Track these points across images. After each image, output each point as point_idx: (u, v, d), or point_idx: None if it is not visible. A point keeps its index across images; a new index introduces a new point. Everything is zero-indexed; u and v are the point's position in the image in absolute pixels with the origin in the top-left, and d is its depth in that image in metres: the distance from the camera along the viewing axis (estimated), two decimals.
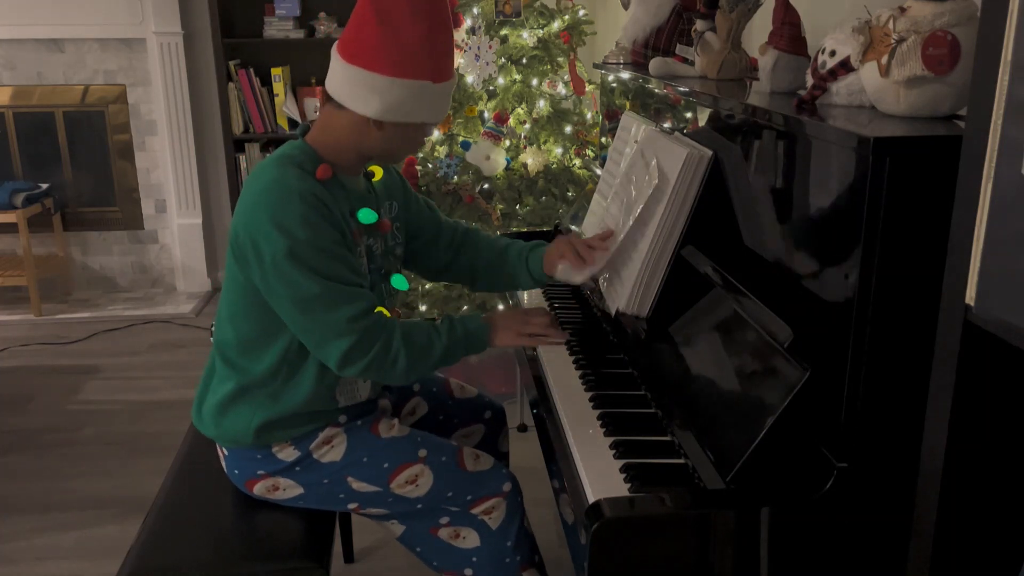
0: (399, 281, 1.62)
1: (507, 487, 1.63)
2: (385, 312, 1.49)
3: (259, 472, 1.57)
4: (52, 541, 2.38)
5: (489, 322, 1.57)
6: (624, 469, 1.26)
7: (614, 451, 1.31)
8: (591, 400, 1.49)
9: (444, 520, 1.62)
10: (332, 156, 1.49)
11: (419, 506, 1.60)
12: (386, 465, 1.57)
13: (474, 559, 1.62)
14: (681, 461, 1.28)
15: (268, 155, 1.51)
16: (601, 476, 1.25)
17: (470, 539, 1.62)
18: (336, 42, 1.47)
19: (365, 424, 1.61)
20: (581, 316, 1.88)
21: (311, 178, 1.44)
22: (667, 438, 1.35)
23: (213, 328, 1.63)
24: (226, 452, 1.61)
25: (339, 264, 1.42)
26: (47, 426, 3.06)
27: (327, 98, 1.48)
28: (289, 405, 1.53)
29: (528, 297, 2.01)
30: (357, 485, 1.57)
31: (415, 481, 1.57)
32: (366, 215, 1.54)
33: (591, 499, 1.18)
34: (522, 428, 2.92)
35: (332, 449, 1.57)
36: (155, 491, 1.72)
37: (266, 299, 1.45)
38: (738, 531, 1.12)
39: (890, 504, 1.09)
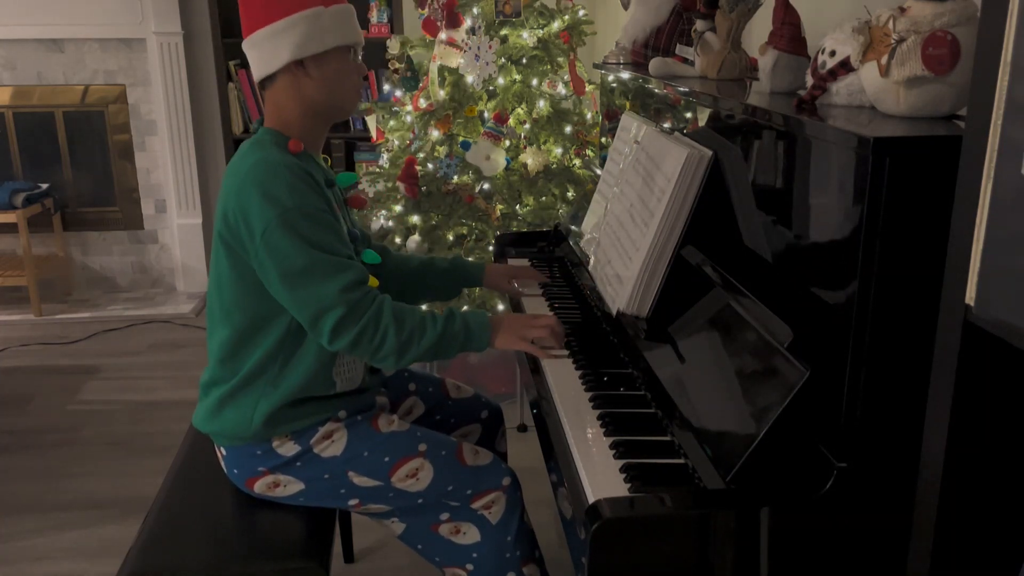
0: (370, 256, 1.66)
1: (507, 481, 1.63)
2: (375, 281, 1.53)
3: (259, 468, 1.58)
4: (52, 541, 2.38)
5: (493, 322, 1.58)
6: (624, 469, 1.26)
7: (614, 451, 1.31)
8: (591, 400, 1.49)
9: (444, 516, 1.62)
10: (293, 131, 1.56)
11: (420, 501, 1.60)
12: (387, 459, 1.57)
13: (475, 555, 1.62)
14: (681, 461, 1.28)
15: (239, 147, 1.57)
16: (601, 476, 1.25)
17: (470, 534, 1.62)
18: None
19: (365, 419, 1.61)
20: (581, 316, 1.88)
21: (288, 154, 1.51)
22: (667, 438, 1.35)
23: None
24: (224, 451, 1.61)
25: (327, 232, 1.47)
26: (47, 426, 3.06)
27: (262, 87, 1.57)
28: (288, 390, 1.54)
29: (527, 299, 2.01)
30: (358, 480, 1.57)
31: (415, 475, 1.58)
32: (346, 178, 1.66)
33: (591, 499, 1.18)
34: (522, 428, 2.92)
35: (332, 444, 1.57)
36: (155, 491, 1.72)
37: (262, 281, 1.48)
38: (738, 531, 1.12)
39: (890, 504, 1.09)
